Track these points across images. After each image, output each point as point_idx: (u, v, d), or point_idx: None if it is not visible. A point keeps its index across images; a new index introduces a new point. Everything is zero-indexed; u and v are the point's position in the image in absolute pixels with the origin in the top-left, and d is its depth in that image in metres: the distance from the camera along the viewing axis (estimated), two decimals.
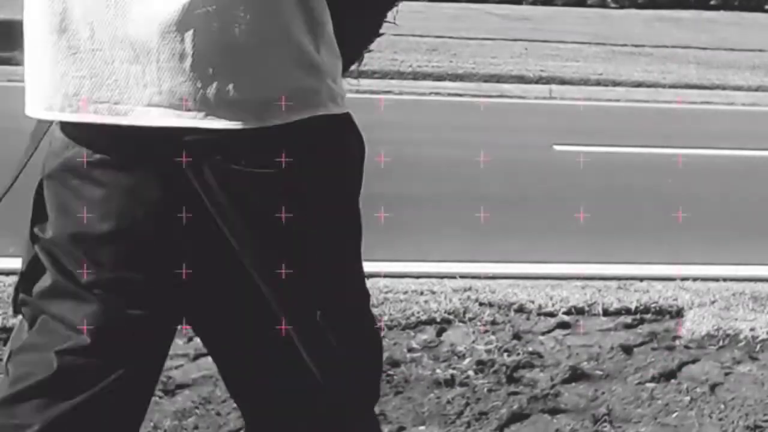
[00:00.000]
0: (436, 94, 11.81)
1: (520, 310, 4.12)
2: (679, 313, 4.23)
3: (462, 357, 3.63)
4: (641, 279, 4.69)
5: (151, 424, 3.06)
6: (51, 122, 1.75)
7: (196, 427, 3.06)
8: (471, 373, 3.50)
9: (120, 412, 1.63)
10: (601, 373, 3.56)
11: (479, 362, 3.57)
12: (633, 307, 4.23)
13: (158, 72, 1.51)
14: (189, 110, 1.51)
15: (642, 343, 3.91)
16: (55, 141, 1.72)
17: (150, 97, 1.53)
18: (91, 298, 1.63)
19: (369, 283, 4.69)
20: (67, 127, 1.66)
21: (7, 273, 4.42)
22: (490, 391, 3.38)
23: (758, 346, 3.89)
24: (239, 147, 1.54)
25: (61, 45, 1.62)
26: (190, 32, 1.48)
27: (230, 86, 1.50)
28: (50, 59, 1.65)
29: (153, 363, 1.71)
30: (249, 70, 1.52)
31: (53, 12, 1.62)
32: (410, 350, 3.71)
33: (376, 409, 3.20)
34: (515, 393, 3.37)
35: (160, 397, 3.23)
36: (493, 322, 3.98)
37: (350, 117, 1.75)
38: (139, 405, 1.69)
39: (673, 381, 3.54)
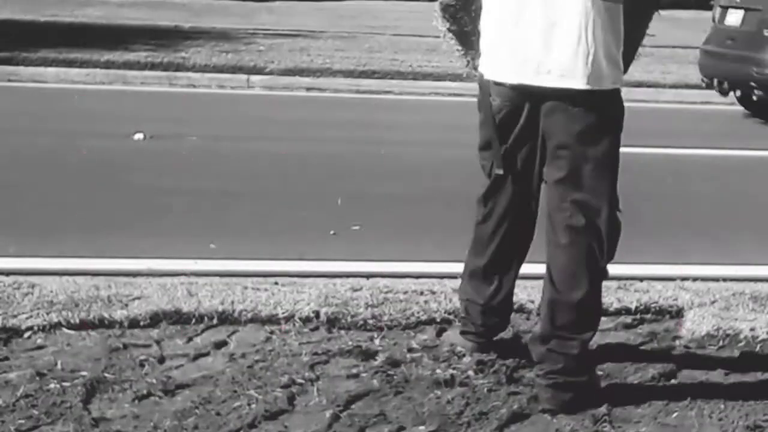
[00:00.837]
0: (436, 94, 11.81)
1: (520, 310, 4.12)
2: (679, 313, 4.23)
3: (462, 357, 3.63)
4: (641, 279, 4.69)
5: (151, 424, 3.06)
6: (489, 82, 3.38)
7: (196, 427, 3.06)
8: (471, 373, 3.50)
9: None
10: (601, 373, 3.55)
11: (479, 362, 3.57)
12: (633, 307, 4.23)
13: (546, 58, 3.22)
14: (553, 77, 3.22)
15: (642, 343, 3.91)
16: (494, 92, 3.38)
17: (539, 72, 3.24)
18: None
19: (369, 283, 4.72)
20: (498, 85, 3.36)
21: (8, 273, 4.43)
22: (490, 391, 3.38)
23: (758, 346, 3.89)
24: (571, 98, 3.23)
25: (514, 35, 3.29)
26: (563, 43, 3.22)
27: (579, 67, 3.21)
28: (507, 43, 3.32)
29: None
30: (589, 61, 3.21)
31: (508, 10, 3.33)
32: (410, 350, 3.71)
33: (376, 409, 3.21)
34: (515, 393, 3.37)
35: (160, 398, 3.24)
36: None
37: (619, 91, 3.32)
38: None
39: (673, 381, 3.54)
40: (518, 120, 3.34)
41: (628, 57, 3.41)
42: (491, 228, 3.56)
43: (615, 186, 3.33)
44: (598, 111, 3.24)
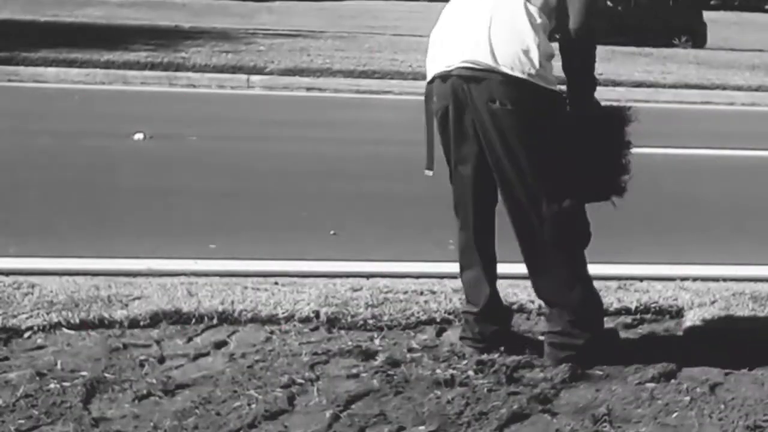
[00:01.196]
0: None
1: (520, 310, 4.12)
2: (679, 313, 4.23)
3: (462, 357, 3.63)
4: (641, 279, 4.69)
5: (151, 424, 3.06)
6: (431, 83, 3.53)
7: (196, 427, 3.06)
8: (471, 373, 3.50)
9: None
10: (601, 373, 3.55)
11: (479, 362, 3.57)
12: (633, 307, 4.23)
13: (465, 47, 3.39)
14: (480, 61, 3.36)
15: (642, 343, 3.91)
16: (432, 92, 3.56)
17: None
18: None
19: (369, 283, 4.72)
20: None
21: (7, 273, 4.43)
22: (490, 391, 3.38)
23: (758, 347, 3.88)
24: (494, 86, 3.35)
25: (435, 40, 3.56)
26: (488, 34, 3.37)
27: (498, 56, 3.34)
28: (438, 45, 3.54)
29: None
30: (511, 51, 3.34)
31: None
32: (410, 350, 3.71)
33: (376, 409, 3.21)
34: (515, 393, 3.37)
35: (160, 398, 3.24)
36: None
37: (555, 94, 3.40)
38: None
39: (673, 381, 3.54)
40: (452, 116, 3.45)
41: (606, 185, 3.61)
42: (470, 236, 3.63)
43: (555, 182, 3.40)
44: (524, 104, 3.33)
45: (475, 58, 3.36)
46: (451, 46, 3.46)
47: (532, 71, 3.33)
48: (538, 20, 3.37)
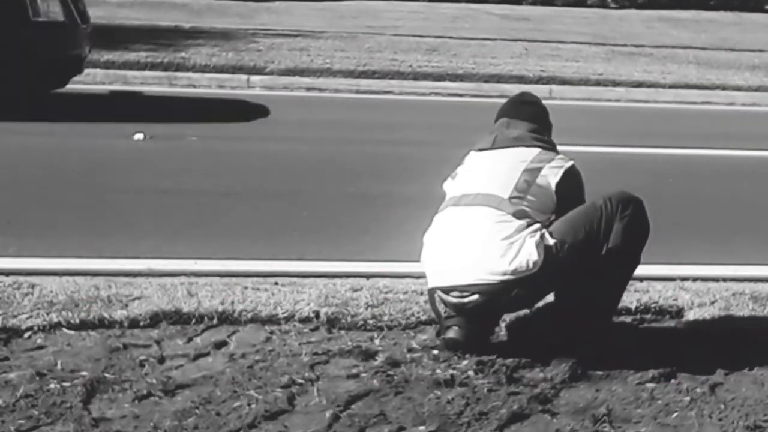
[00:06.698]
0: (436, 94, 11.80)
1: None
2: (679, 313, 4.23)
3: (462, 357, 3.63)
4: (641, 279, 4.68)
5: (151, 424, 3.06)
6: None
7: (196, 427, 3.06)
8: (471, 373, 3.50)
9: None
10: (601, 373, 3.56)
11: (479, 362, 3.57)
12: (633, 307, 4.23)
13: None
14: None
15: (642, 343, 3.91)
16: None
17: None
18: None
19: (369, 283, 4.71)
20: None
21: (7, 273, 4.43)
22: (490, 391, 3.38)
23: (758, 346, 3.88)
24: None
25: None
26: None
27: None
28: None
29: None
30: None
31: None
32: (410, 350, 3.71)
33: (376, 409, 3.21)
34: (515, 393, 3.37)
35: (160, 398, 3.24)
36: None
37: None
38: None
39: (673, 381, 3.54)
40: None
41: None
42: None
43: None
44: None
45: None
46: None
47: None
48: None
